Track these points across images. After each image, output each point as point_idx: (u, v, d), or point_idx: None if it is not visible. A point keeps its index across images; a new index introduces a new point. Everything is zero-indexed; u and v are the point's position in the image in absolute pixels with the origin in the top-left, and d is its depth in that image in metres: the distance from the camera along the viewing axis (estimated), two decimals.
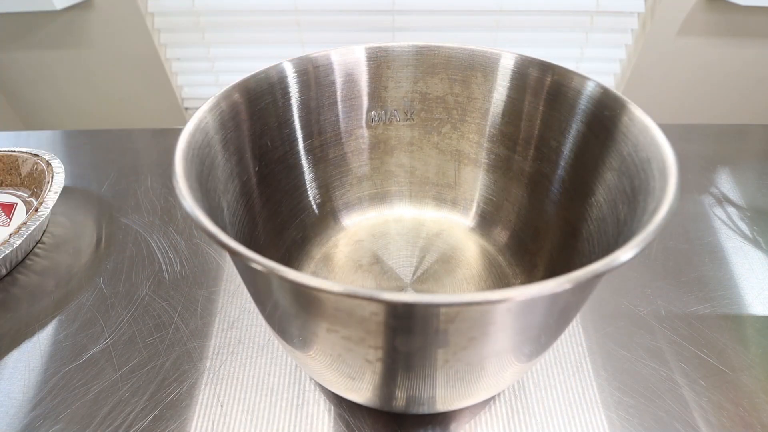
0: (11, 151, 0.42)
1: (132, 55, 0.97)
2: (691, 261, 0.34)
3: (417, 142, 0.34)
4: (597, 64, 0.98)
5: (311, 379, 0.27)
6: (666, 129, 0.20)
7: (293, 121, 0.29)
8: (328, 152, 0.32)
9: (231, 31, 0.95)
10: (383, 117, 0.32)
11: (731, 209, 0.39)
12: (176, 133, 0.20)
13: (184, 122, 0.20)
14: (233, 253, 0.14)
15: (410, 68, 0.31)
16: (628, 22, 0.91)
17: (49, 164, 0.40)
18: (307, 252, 0.32)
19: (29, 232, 0.33)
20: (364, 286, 0.30)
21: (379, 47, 0.30)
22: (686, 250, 0.35)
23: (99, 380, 0.27)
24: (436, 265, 0.32)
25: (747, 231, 0.37)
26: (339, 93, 0.30)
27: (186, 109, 1.09)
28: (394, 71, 0.31)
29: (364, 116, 0.32)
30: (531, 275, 0.30)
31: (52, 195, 0.37)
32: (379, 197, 0.35)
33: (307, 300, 0.16)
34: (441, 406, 0.22)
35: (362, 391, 0.21)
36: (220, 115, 0.23)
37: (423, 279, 0.31)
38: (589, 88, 0.24)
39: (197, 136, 0.21)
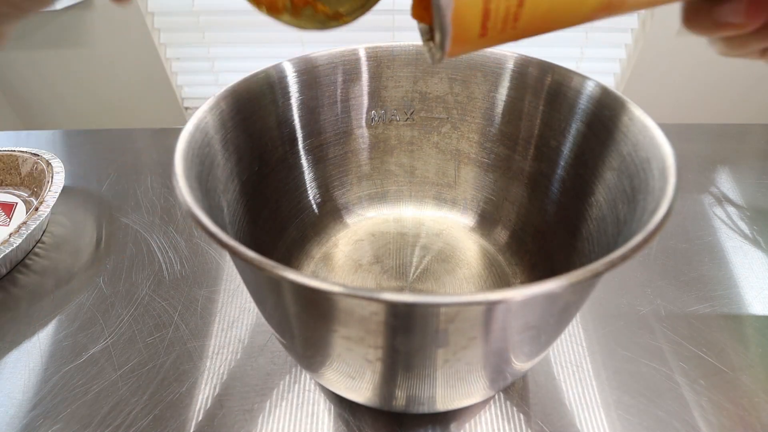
0: (11, 150, 0.42)
1: (132, 55, 0.97)
2: (691, 261, 0.34)
3: (417, 142, 0.34)
4: (597, 63, 0.98)
5: (311, 379, 0.27)
6: (666, 128, 0.20)
7: (293, 121, 0.29)
8: (328, 152, 0.32)
9: (231, 31, 0.95)
10: (383, 117, 0.32)
11: (731, 209, 0.39)
12: (176, 132, 0.20)
13: (184, 122, 0.20)
14: (233, 253, 0.14)
15: (410, 68, 0.31)
16: (628, 22, 0.91)
17: (48, 164, 0.40)
18: (307, 252, 0.32)
19: (29, 231, 0.33)
20: (364, 285, 0.30)
21: (379, 47, 0.30)
22: (686, 249, 0.35)
23: (99, 380, 0.27)
24: (436, 264, 0.32)
25: (747, 231, 0.37)
26: (339, 93, 0.30)
27: (186, 109, 1.09)
28: (394, 71, 0.31)
29: (364, 116, 0.32)
30: (531, 275, 0.30)
31: (51, 195, 0.36)
32: (379, 197, 0.36)
33: (307, 300, 0.16)
34: (441, 406, 0.22)
35: (362, 391, 0.21)
36: (220, 115, 0.23)
37: (423, 279, 0.31)
38: (589, 88, 0.25)
39: (197, 135, 0.21)
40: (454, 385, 0.19)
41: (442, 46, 0.13)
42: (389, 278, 0.31)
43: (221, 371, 0.28)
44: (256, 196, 0.27)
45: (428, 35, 0.16)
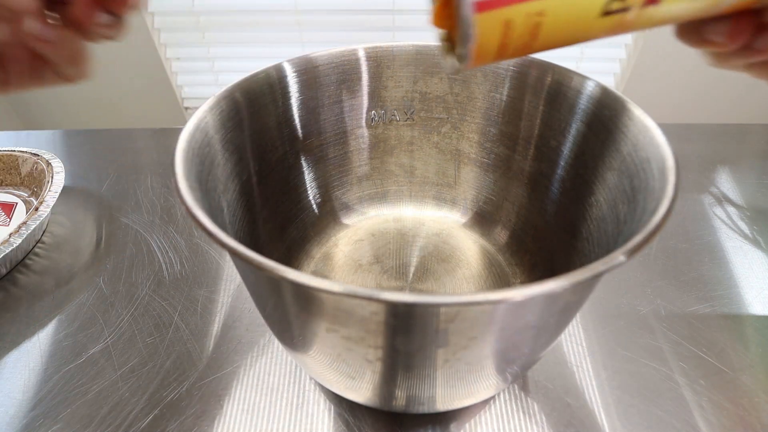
0: (11, 150, 0.42)
1: (132, 55, 0.97)
2: (691, 261, 0.34)
3: (417, 142, 0.34)
4: (597, 63, 0.98)
5: (311, 378, 0.27)
6: (665, 128, 0.20)
7: (293, 121, 0.29)
8: (328, 152, 0.32)
9: (231, 31, 0.95)
10: (383, 117, 0.32)
11: (731, 209, 0.39)
12: (176, 132, 0.20)
13: (184, 122, 0.20)
14: (233, 253, 0.14)
15: (410, 68, 0.31)
16: None
17: (48, 164, 0.40)
18: (307, 251, 0.32)
19: (29, 231, 0.33)
20: (364, 285, 0.30)
21: (379, 47, 0.30)
22: (686, 249, 0.35)
23: (99, 380, 0.27)
24: (436, 264, 0.32)
25: (747, 231, 0.37)
26: (339, 93, 0.30)
27: (186, 109, 1.09)
28: (394, 71, 0.31)
29: (364, 116, 0.32)
30: (531, 275, 0.30)
31: (52, 194, 0.37)
32: (379, 197, 0.36)
33: (307, 300, 0.16)
34: (441, 406, 0.22)
35: (362, 391, 0.21)
36: (220, 115, 0.23)
37: (423, 279, 0.31)
38: (589, 88, 0.25)
39: (197, 135, 0.21)
40: (454, 385, 0.19)
41: (463, 60, 0.15)
42: (389, 278, 0.31)
43: (221, 371, 0.28)
44: (256, 196, 0.27)
45: (447, 43, 0.17)
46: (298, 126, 0.29)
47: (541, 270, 0.29)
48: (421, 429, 0.25)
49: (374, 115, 0.32)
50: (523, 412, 0.26)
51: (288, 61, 0.27)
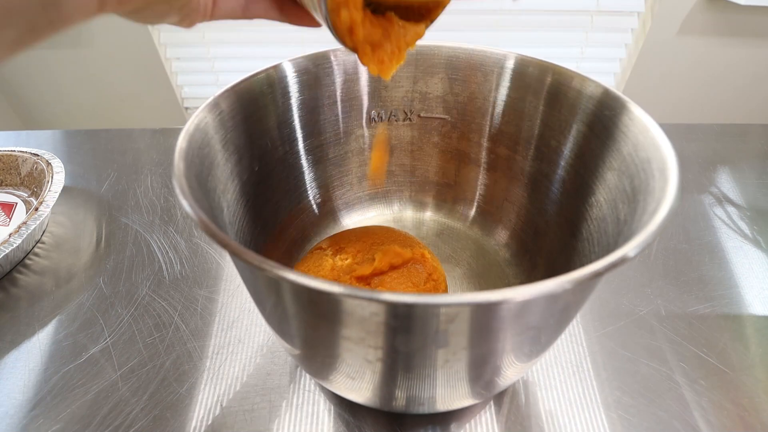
0: (11, 150, 0.42)
1: (132, 55, 0.97)
2: (691, 261, 0.34)
3: (417, 142, 0.34)
4: (597, 63, 0.98)
5: (311, 379, 0.27)
6: (666, 129, 0.20)
7: (293, 121, 0.29)
8: (328, 152, 0.32)
9: (231, 31, 0.95)
10: (383, 117, 0.32)
11: (731, 209, 0.39)
12: (176, 132, 0.20)
13: (184, 122, 0.20)
14: (233, 253, 0.14)
15: (410, 68, 0.31)
16: (628, 22, 0.91)
17: (49, 164, 0.40)
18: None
19: (29, 231, 0.33)
20: None
21: None
22: (686, 250, 0.35)
23: (99, 380, 0.27)
24: None
25: (747, 231, 0.37)
26: (339, 93, 0.30)
27: (186, 109, 1.09)
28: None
29: (364, 116, 0.32)
30: (531, 275, 0.30)
31: (52, 195, 0.36)
32: (379, 197, 0.35)
33: (306, 300, 0.16)
34: (441, 406, 0.22)
35: (362, 391, 0.21)
36: (220, 115, 0.23)
37: None
38: (589, 88, 0.24)
39: (197, 136, 0.21)
40: (455, 386, 0.19)
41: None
42: None
43: (221, 371, 0.27)
44: (256, 196, 0.27)
45: None
46: (298, 126, 0.29)
47: (541, 270, 0.29)
48: (421, 429, 0.25)
49: (374, 115, 0.32)
50: (524, 413, 0.26)
51: (288, 61, 0.27)
